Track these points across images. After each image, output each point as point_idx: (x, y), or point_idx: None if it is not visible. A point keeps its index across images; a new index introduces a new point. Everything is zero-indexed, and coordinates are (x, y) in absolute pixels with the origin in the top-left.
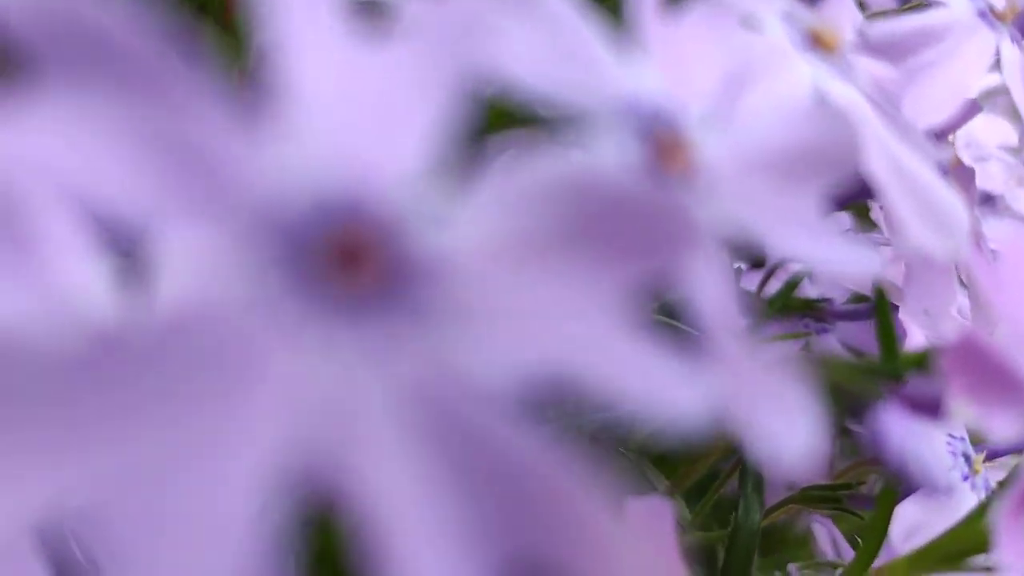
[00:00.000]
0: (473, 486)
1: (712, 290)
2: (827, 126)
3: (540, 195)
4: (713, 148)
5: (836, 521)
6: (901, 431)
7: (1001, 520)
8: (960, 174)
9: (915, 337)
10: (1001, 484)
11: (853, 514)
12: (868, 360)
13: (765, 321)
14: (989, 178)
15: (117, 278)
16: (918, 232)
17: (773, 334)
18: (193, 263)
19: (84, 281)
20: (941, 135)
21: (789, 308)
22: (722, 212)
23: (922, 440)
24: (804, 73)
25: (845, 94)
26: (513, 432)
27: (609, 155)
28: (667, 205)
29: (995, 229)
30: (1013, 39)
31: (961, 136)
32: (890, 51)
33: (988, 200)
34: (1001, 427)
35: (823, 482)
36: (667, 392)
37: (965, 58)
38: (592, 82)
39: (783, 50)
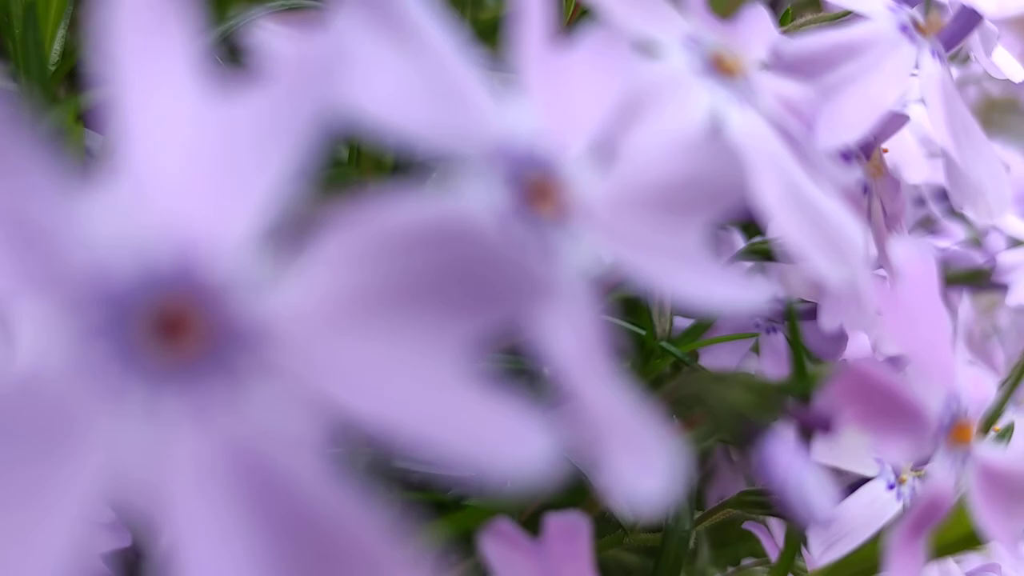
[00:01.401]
0: (275, 529)
1: (571, 337)
2: (712, 158)
3: (382, 247)
4: (591, 187)
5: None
6: (786, 460)
7: (895, 542)
8: (884, 185)
9: (859, 341)
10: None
11: (785, 519)
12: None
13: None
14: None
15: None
16: (812, 260)
17: (723, 333)
18: (30, 333)
19: None
20: (869, 147)
21: None
22: (597, 252)
23: (807, 470)
24: (700, 101)
25: (744, 121)
26: (318, 483)
27: (471, 200)
28: (517, 255)
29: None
30: (935, 53)
31: (915, 133)
32: (807, 67)
33: (945, 196)
34: (894, 453)
35: (757, 487)
36: (503, 447)
37: (884, 73)
38: (463, 123)
39: (678, 78)
